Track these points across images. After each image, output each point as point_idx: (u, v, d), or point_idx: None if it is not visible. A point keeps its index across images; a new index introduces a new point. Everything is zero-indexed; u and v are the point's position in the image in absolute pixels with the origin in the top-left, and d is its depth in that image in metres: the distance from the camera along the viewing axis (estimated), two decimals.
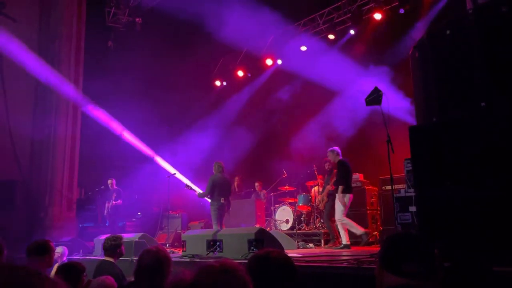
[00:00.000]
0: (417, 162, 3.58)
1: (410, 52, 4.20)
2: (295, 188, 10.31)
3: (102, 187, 10.43)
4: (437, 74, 3.63)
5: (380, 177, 8.69)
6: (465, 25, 3.49)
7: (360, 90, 10.18)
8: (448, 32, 3.54)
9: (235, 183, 11.41)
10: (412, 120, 7.83)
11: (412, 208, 5.22)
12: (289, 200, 10.15)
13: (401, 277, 1.43)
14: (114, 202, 10.20)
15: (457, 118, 3.31)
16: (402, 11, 9.77)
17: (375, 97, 5.46)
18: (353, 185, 8.96)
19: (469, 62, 3.34)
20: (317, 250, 7.38)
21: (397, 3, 10.13)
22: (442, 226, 3.22)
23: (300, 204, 9.70)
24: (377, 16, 10.38)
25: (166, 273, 2.93)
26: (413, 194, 5.38)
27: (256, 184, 11.30)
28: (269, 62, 12.96)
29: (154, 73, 12.92)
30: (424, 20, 9.31)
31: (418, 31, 9.09)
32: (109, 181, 10.45)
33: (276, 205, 10.30)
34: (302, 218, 9.67)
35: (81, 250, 8.50)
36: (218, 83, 14.64)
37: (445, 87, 3.54)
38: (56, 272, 3.49)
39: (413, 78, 4.14)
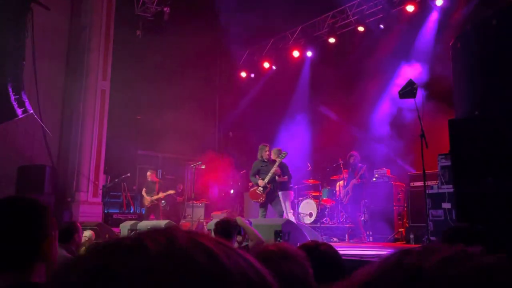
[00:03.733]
0: (457, 157, 3.46)
1: (451, 43, 4.05)
2: (319, 182, 10.22)
3: (128, 174, 10.56)
4: (481, 66, 3.49)
5: (409, 173, 8.51)
6: None
7: (391, 83, 10.03)
8: (494, 22, 3.39)
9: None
10: (442, 115, 7.63)
11: (446, 205, 5.08)
12: (313, 194, 10.07)
13: None
14: (164, 194, 10.30)
15: (502, 112, 3.17)
16: (439, 2, 9.49)
17: (409, 90, 5.31)
18: (380, 180, 8.87)
19: None
20: (342, 245, 7.31)
21: None
22: (483, 223, 3.10)
23: (324, 198, 9.62)
24: (410, 8, 10.12)
25: None
26: (446, 190, 5.24)
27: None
28: (296, 54, 12.83)
29: (180, 63, 12.98)
30: (460, 13, 9.02)
31: (455, 23, 8.81)
32: (148, 173, 10.55)
33: (300, 198, 10.24)
34: (326, 212, 9.60)
35: (107, 235, 8.64)
36: (243, 74, 14.59)
37: (489, 79, 3.40)
38: None
39: (454, 70, 4.00)
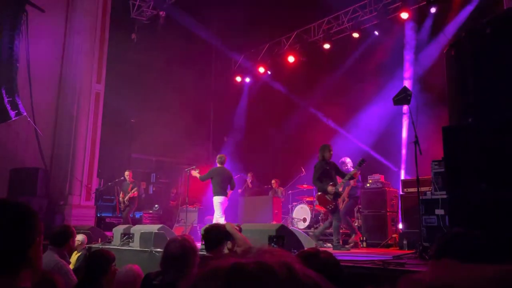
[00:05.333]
0: (450, 163, 3.48)
1: (445, 51, 4.09)
2: (313, 187, 10.23)
3: (122, 178, 10.52)
4: (475, 74, 3.52)
5: (402, 179, 8.55)
6: (507, 24, 3.37)
7: (385, 90, 10.09)
8: (488, 30, 3.43)
9: (249, 180, 11.47)
10: (435, 122, 7.69)
11: (439, 211, 5.11)
12: (307, 199, 10.08)
13: None
14: (131, 194, 10.28)
15: (495, 119, 3.20)
16: (433, 10, 9.59)
17: (403, 97, 5.36)
18: (373, 186, 8.89)
19: (510, 62, 3.23)
20: (336, 250, 7.30)
21: (424, 2, 9.97)
22: (476, 230, 3.12)
23: (318, 204, 9.62)
24: (404, 15, 10.20)
25: (192, 263, 2.90)
26: (440, 196, 5.27)
27: (273, 181, 11.31)
28: (291, 59, 12.88)
29: (175, 67, 12.97)
30: (454, 21, 9.13)
31: (449, 30, 8.92)
32: (126, 173, 10.54)
33: (294, 203, 10.25)
34: (319, 217, 9.61)
35: (99, 239, 8.58)
36: (238, 79, 14.61)
37: (483, 87, 3.43)
38: (88, 259, 3.50)
39: (447, 77, 4.04)
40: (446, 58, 3.99)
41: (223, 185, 8.45)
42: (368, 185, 8.90)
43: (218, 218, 8.35)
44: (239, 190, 11.51)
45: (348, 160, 8.68)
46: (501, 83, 3.31)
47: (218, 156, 8.78)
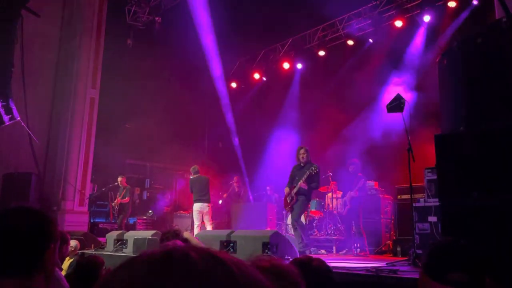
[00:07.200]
0: (442, 172, 3.51)
1: (437, 60, 4.14)
2: None
3: (116, 183, 10.48)
4: (466, 83, 3.56)
5: (396, 186, 8.58)
6: (498, 34, 3.42)
7: (379, 97, 10.16)
8: (479, 40, 3.48)
9: (235, 183, 11.53)
10: (428, 129, 7.74)
11: (432, 218, 5.14)
12: None
13: (445, 285, 1.38)
14: (120, 200, 10.24)
15: (487, 128, 3.24)
16: (427, 18, 9.70)
17: (397, 104, 5.40)
18: (368, 193, 8.91)
19: (501, 72, 3.27)
20: (330, 257, 7.31)
21: (418, 10, 10.08)
22: (467, 238, 3.14)
23: (313, 210, 9.63)
24: (398, 23, 10.30)
25: None
26: (433, 204, 5.30)
27: (268, 187, 11.31)
28: (286, 65, 12.94)
29: (170, 72, 12.98)
30: (447, 30, 9.24)
31: (442, 39, 9.01)
32: (119, 178, 10.52)
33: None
34: (314, 224, 9.61)
35: (92, 245, 8.53)
36: (234, 84, 14.64)
37: (474, 96, 3.47)
38: (76, 267, 3.48)
39: (440, 86, 4.08)
40: (439, 67, 4.03)
41: (201, 193, 9.01)
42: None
43: (196, 227, 8.81)
44: (224, 195, 11.55)
45: (356, 161, 8.60)
46: (492, 92, 3.35)
47: (191, 168, 9.37)
